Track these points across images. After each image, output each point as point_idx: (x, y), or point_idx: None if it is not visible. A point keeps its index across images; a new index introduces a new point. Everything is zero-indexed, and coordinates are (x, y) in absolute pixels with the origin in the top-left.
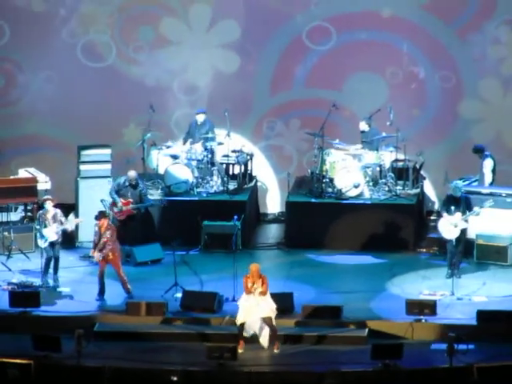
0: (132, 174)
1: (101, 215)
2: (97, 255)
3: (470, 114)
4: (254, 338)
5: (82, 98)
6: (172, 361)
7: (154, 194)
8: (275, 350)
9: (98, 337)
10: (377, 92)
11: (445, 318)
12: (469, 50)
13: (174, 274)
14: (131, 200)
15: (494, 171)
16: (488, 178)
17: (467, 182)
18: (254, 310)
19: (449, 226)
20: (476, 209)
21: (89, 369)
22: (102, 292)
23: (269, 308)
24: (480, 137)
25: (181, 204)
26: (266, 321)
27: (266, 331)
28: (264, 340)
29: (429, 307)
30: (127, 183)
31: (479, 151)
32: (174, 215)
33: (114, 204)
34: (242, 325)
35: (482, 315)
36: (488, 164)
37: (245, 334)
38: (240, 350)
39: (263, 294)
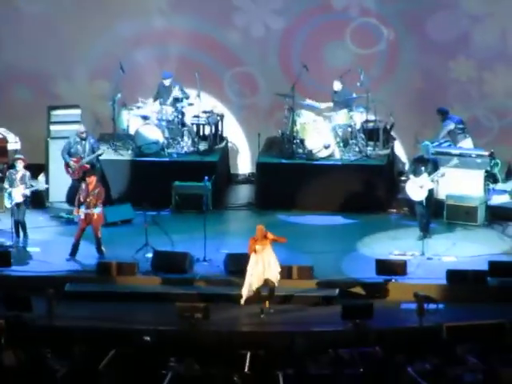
0: (80, 127)
1: (90, 172)
2: (82, 212)
3: (442, 75)
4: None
5: (48, 55)
6: (144, 321)
7: (125, 155)
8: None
9: (69, 297)
10: (347, 56)
11: (415, 277)
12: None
13: (145, 234)
14: (82, 156)
15: (453, 133)
16: (441, 135)
17: (437, 143)
18: (262, 272)
19: (415, 188)
20: (441, 169)
21: (60, 329)
22: (74, 252)
23: (276, 273)
24: (452, 98)
25: (151, 165)
26: (269, 283)
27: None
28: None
29: (399, 267)
30: (78, 139)
31: (442, 113)
32: (144, 176)
33: (67, 165)
34: (258, 289)
35: (452, 275)
36: (447, 126)
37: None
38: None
39: (273, 240)
